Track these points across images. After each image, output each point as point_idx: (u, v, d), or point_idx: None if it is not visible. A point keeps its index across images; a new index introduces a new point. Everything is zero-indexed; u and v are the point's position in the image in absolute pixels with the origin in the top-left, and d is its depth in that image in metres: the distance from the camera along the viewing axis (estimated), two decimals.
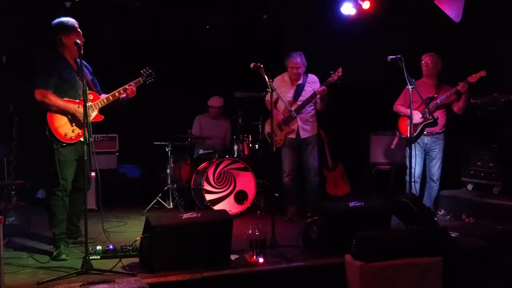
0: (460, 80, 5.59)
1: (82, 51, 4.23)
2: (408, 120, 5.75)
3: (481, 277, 4.31)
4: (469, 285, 4.23)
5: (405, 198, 4.98)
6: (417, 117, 5.66)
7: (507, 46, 5.93)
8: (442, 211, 6.15)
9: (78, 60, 4.37)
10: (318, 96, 5.80)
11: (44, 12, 6.66)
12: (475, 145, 6.25)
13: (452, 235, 4.62)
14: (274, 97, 5.83)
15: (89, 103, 4.44)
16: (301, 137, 5.97)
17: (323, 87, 5.75)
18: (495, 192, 5.97)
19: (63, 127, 4.48)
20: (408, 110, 5.73)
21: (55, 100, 4.45)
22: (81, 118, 4.26)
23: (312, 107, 5.98)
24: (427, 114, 5.63)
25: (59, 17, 4.71)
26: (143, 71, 4.89)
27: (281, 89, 5.90)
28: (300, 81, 5.98)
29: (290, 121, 5.95)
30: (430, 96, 5.65)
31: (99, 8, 6.87)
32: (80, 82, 4.26)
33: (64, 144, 4.49)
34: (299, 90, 5.95)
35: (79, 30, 4.61)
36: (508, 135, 5.96)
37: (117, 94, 4.69)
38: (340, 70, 5.70)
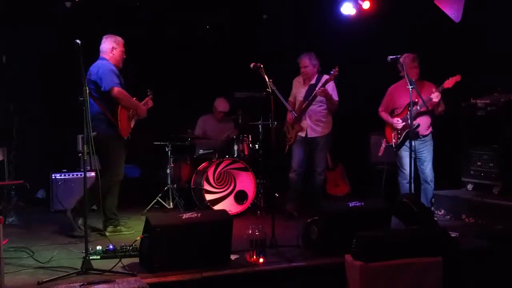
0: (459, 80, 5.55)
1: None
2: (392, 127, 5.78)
3: (481, 277, 4.31)
4: (469, 285, 4.23)
5: (405, 198, 4.99)
6: (399, 124, 5.67)
7: (507, 45, 5.93)
8: (442, 211, 6.15)
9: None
10: (319, 96, 5.83)
11: (44, 12, 6.69)
12: (475, 145, 6.24)
13: (452, 235, 4.62)
14: (292, 96, 6.04)
15: None
16: (309, 136, 6.01)
17: (321, 87, 5.78)
18: (495, 192, 5.97)
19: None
20: (390, 119, 5.79)
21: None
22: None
23: (323, 107, 6.00)
24: (408, 121, 5.59)
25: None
26: (149, 92, 5.61)
27: (297, 89, 6.15)
28: (313, 81, 6.04)
29: (300, 119, 6.00)
30: (412, 101, 5.54)
31: (99, 8, 6.87)
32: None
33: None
34: (310, 90, 6.00)
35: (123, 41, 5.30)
36: (508, 135, 5.96)
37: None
38: (336, 69, 5.74)
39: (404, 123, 5.64)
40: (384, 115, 5.90)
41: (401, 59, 5.63)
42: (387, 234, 4.23)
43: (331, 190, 7.34)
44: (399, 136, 5.74)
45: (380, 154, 6.17)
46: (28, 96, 6.69)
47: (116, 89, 5.01)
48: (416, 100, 5.54)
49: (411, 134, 5.42)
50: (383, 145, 6.04)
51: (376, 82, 6.90)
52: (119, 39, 5.28)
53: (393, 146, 5.83)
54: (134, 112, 5.26)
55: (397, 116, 5.77)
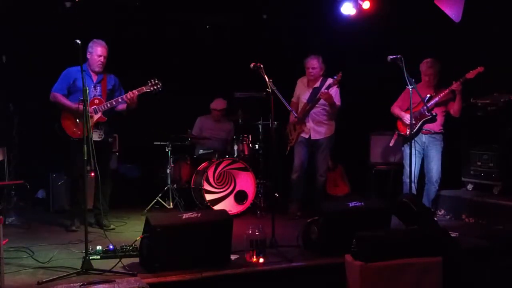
0: (482, 71, 5.56)
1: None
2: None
3: (481, 277, 4.31)
4: (469, 285, 4.23)
5: (405, 198, 4.99)
6: (406, 119, 5.68)
7: (507, 46, 5.93)
8: (442, 211, 6.15)
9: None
10: (322, 99, 5.84)
11: (44, 12, 6.69)
12: (475, 145, 6.25)
13: (452, 235, 4.62)
14: (295, 97, 6.02)
15: (94, 106, 5.28)
16: (312, 138, 6.02)
17: (324, 90, 5.79)
18: (495, 192, 5.97)
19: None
20: (403, 113, 5.81)
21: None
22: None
23: (326, 110, 6.01)
24: (425, 112, 5.64)
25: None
26: (150, 81, 5.42)
27: (300, 90, 6.16)
28: (317, 84, 6.04)
29: (303, 122, 6.01)
30: (428, 95, 5.67)
31: (99, 8, 6.86)
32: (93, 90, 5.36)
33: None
34: (314, 93, 6.01)
35: (102, 47, 5.37)
36: (509, 135, 5.96)
37: (114, 102, 5.33)
38: (339, 74, 5.75)
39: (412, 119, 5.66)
40: (397, 111, 5.91)
41: (420, 65, 5.80)
42: (387, 234, 4.23)
43: (331, 190, 7.34)
44: (414, 125, 5.69)
45: (391, 144, 6.18)
46: (28, 96, 6.68)
47: (51, 94, 5.35)
48: (434, 94, 5.66)
49: (413, 131, 5.44)
50: (395, 136, 6.04)
51: (376, 82, 6.91)
52: (97, 43, 5.36)
53: (406, 135, 5.77)
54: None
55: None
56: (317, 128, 6.04)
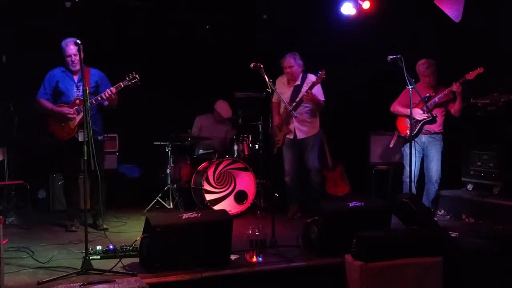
0: (482, 72, 5.56)
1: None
2: (406, 119, 5.77)
3: (481, 277, 4.32)
4: (469, 285, 4.23)
5: (405, 198, 4.99)
6: (417, 113, 5.67)
7: (507, 46, 5.93)
8: (442, 211, 6.15)
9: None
10: (305, 100, 5.80)
11: (44, 12, 6.69)
12: (475, 145, 6.25)
13: (452, 235, 4.63)
14: (276, 97, 5.94)
15: (76, 107, 5.27)
16: (298, 138, 5.97)
17: (308, 91, 5.71)
18: (495, 192, 5.97)
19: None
20: (407, 110, 5.78)
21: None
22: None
23: (309, 108, 5.95)
24: (425, 113, 5.65)
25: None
26: (127, 76, 5.30)
27: (280, 90, 5.97)
28: (298, 82, 5.97)
29: (288, 121, 5.96)
30: (427, 95, 5.67)
31: (99, 8, 6.86)
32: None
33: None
34: (296, 91, 5.94)
35: (70, 47, 5.23)
36: (509, 135, 5.96)
37: (94, 101, 5.21)
38: (323, 72, 5.67)
39: (422, 114, 5.69)
40: (401, 108, 5.87)
41: (416, 67, 5.76)
42: (387, 234, 4.23)
43: (331, 190, 7.34)
44: (415, 126, 5.68)
45: (391, 145, 6.18)
46: (28, 96, 6.68)
47: (37, 101, 5.35)
48: (433, 93, 5.66)
49: (412, 131, 5.43)
50: (395, 137, 6.04)
51: (376, 82, 6.91)
52: (65, 43, 5.26)
53: (406, 137, 5.77)
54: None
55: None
56: (300, 127, 5.94)
